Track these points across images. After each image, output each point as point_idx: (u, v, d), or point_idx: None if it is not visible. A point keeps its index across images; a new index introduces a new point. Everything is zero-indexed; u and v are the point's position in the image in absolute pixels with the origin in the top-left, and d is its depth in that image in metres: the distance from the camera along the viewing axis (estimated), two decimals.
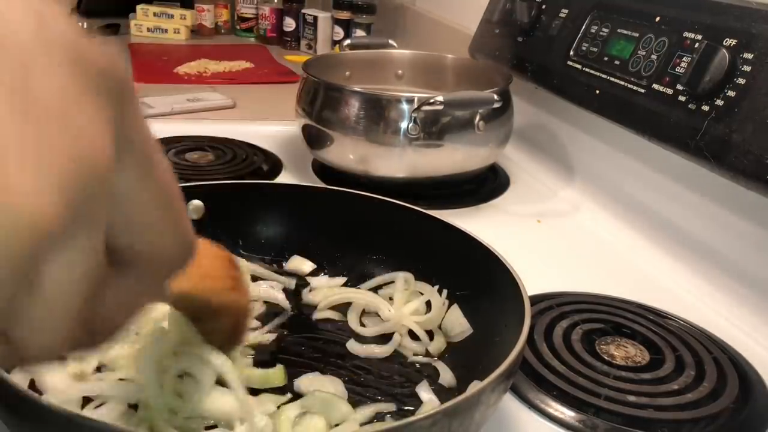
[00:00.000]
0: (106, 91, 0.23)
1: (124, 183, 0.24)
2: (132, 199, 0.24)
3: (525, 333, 0.44)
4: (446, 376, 0.53)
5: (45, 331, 0.23)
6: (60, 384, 0.47)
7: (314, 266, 0.65)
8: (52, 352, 0.24)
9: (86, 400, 0.46)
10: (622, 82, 0.79)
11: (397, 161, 0.84)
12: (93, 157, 0.21)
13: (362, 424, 0.47)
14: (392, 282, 0.62)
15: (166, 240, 0.27)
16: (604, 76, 0.83)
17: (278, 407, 0.47)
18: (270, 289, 0.62)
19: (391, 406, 0.49)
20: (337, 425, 0.46)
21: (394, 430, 0.36)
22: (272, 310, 0.60)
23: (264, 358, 0.54)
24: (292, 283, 0.63)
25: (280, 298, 0.62)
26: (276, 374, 0.50)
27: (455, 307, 0.58)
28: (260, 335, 0.56)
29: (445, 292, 0.59)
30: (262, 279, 0.63)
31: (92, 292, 0.23)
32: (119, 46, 1.47)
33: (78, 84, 0.21)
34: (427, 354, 0.56)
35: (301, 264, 0.65)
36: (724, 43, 0.66)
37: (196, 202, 0.64)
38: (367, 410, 0.48)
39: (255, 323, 0.58)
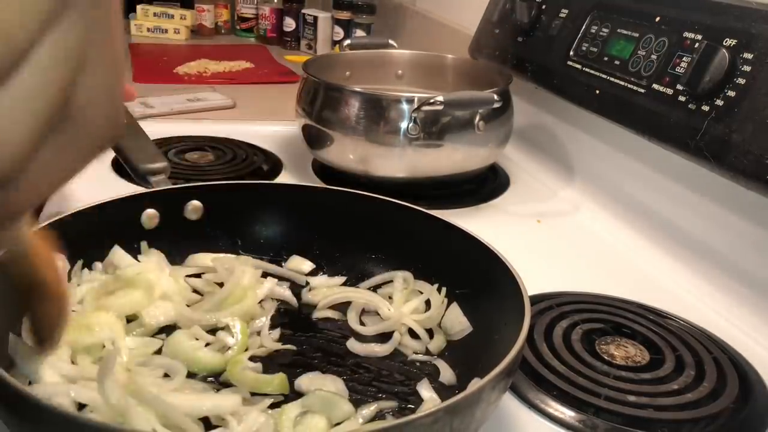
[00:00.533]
0: None
1: (89, 24, 0.24)
2: (93, 45, 0.24)
3: (525, 330, 0.44)
4: (446, 374, 0.53)
5: (9, 134, 0.22)
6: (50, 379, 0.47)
7: (313, 266, 0.65)
8: (3, 167, 0.22)
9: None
10: (622, 82, 0.79)
11: (397, 161, 0.84)
12: None
13: (364, 423, 0.47)
14: (391, 281, 0.62)
15: (105, 105, 0.26)
16: (604, 76, 0.83)
17: (278, 407, 0.47)
18: (278, 288, 0.62)
19: (392, 404, 0.49)
20: (338, 424, 0.46)
21: (396, 428, 0.36)
22: (281, 307, 0.61)
23: (265, 360, 0.54)
24: (301, 279, 0.64)
25: (287, 295, 0.62)
26: (280, 383, 0.50)
27: (455, 306, 0.58)
28: (276, 343, 0.56)
29: (444, 290, 0.59)
30: (270, 276, 0.63)
31: (52, 114, 0.23)
32: None
33: None
34: (427, 352, 0.56)
35: (301, 264, 0.65)
36: (724, 43, 0.66)
37: (195, 203, 0.64)
38: (368, 408, 0.48)
39: (260, 322, 0.58)
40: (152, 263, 0.59)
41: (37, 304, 0.39)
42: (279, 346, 0.55)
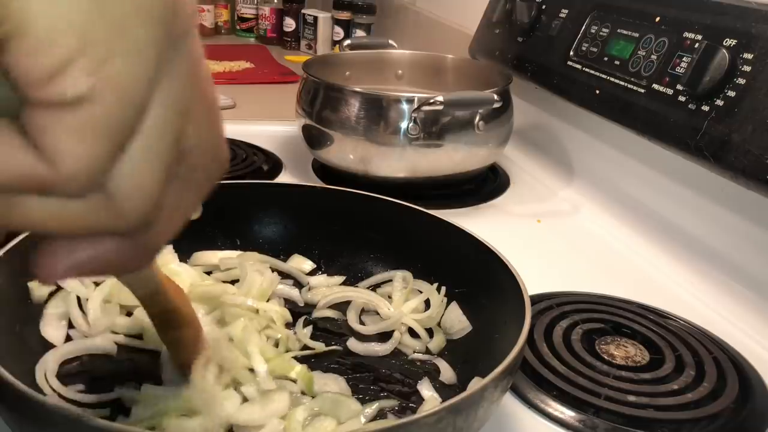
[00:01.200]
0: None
1: (181, 68, 0.24)
2: (186, 86, 0.24)
3: (526, 328, 0.44)
4: (447, 373, 0.53)
5: (142, 179, 0.23)
6: None
7: (314, 265, 0.65)
8: (143, 210, 0.24)
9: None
10: (622, 82, 0.79)
11: (397, 161, 0.84)
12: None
13: (366, 422, 0.47)
14: (390, 280, 0.62)
15: (211, 144, 0.27)
16: (604, 76, 0.83)
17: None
18: (286, 288, 0.62)
19: (393, 403, 0.49)
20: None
21: (401, 427, 0.36)
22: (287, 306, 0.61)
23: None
24: (304, 277, 0.64)
25: (295, 294, 0.62)
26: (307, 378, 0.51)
27: (454, 305, 0.58)
28: (318, 342, 0.56)
29: (443, 289, 0.59)
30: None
31: (172, 160, 0.24)
32: None
33: None
34: (427, 351, 0.56)
35: (302, 263, 0.65)
36: (724, 43, 0.66)
37: None
38: (370, 408, 0.48)
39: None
40: (168, 255, 0.60)
41: (176, 332, 0.41)
42: (321, 345, 0.55)
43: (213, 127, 0.27)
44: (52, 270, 0.24)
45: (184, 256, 0.63)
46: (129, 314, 0.55)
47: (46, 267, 0.24)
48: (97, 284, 0.56)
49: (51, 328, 0.52)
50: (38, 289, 0.52)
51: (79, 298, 0.54)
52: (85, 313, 0.54)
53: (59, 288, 0.54)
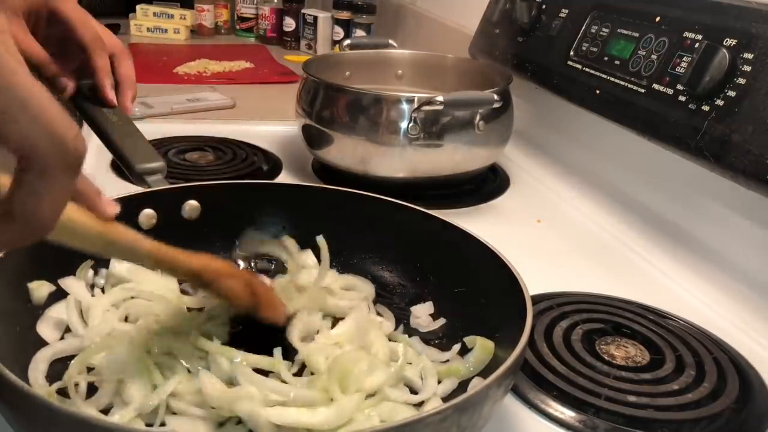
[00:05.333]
0: None
1: None
2: None
3: (528, 327, 0.44)
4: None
5: None
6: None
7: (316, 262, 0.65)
8: None
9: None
10: (622, 82, 0.79)
11: (397, 161, 0.84)
12: None
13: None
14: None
15: (39, 131, 0.26)
16: (604, 76, 0.83)
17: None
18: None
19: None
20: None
21: (406, 426, 0.36)
22: None
23: None
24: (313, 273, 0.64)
25: None
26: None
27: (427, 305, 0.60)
28: None
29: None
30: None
31: None
32: None
33: None
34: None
35: (307, 258, 0.65)
36: (724, 43, 0.66)
37: (192, 202, 0.64)
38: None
39: None
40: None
41: (214, 287, 0.48)
42: None
43: (39, 119, 0.26)
44: None
45: None
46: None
47: None
48: (103, 291, 0.56)
49: (47, 329, 0.52)
50: (38, 291, 0.53)
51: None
52: (83, 318, 0.54)
53: (60, 291, 0.54)
